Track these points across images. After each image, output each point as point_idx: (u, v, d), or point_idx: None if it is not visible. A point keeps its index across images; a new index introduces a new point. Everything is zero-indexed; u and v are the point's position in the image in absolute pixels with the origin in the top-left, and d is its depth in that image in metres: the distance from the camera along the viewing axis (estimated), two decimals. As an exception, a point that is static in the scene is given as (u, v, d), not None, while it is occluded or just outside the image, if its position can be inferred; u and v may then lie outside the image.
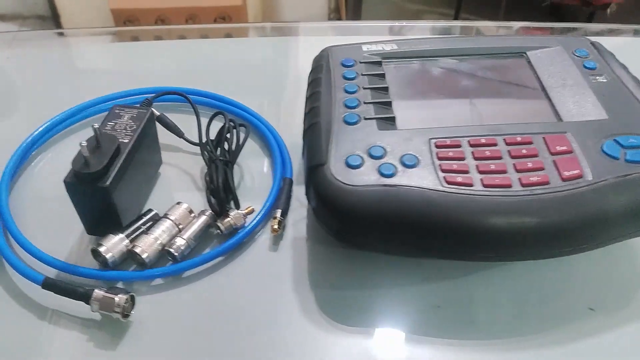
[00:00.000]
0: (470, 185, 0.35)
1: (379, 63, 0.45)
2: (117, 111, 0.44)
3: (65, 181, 0.38)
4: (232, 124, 0.47)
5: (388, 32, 0.73)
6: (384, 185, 0.36)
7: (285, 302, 0.39)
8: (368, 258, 0.41)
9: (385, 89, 0.43)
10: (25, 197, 0.46)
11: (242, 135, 0.48)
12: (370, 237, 0.37)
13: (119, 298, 0.36)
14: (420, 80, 0.45)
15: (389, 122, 0.40)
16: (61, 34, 0.70)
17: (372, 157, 0.37)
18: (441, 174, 0.36)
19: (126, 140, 0.41)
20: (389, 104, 0.41)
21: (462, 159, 0.37)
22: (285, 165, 0.48)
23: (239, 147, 0.46)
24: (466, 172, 0.36)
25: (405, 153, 0.37)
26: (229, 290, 0.40)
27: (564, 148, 0.37)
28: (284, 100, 0.58)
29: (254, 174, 0.48)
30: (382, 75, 0.44)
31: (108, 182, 0.38)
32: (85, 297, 0.37)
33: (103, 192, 0.38)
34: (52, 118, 0.51)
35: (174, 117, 0.51)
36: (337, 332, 0.37)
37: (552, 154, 0.37)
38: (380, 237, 0.37)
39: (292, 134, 0.50)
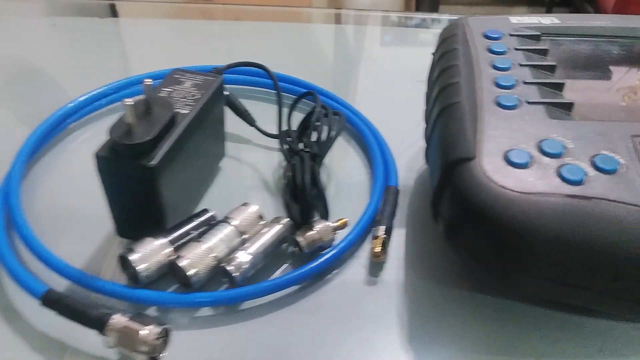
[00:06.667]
0: None
1: (537, 37, 0.33)
2: (177, 76, 0.33)
3: (97, 155, 0.27)
4: (323, 110, 0.35)
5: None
6: (569, 196, 0.23)
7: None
8: (509, 307, 0.28)
9: (552, 67, 0.30)
10: (44, 184, 0.35)
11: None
12: (544, 276, 0.24)
13: (148, 331, 0.24)
14: (594, 61, 0.32)
15: (562, 110, 0.27)
16: (113, 5, 0.62)
17: (545, 154, 0.25)
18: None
19: (185, 111, 0.30)
20: (559, 86, 0.29)
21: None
22: (388, 169, 0.35)
23: (331, 139, 0.34)
24: None
25: (597, 152, 0.24)
26: (303, 334, 0.27)
27: None
28: (380, 95, 0.46)
29: (345, 178, 0.36)
30: (544, 52, 0.31)
31: (156, 161, 0.27)
32: (99, 324, 0.25)
33: (147, 175, 0.27)
34: (91, 91, 0.41)
35: (243, 104, 0.40)
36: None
37: None
38: (562, 277, 0.23)
39: (389, 134, 0.38)
